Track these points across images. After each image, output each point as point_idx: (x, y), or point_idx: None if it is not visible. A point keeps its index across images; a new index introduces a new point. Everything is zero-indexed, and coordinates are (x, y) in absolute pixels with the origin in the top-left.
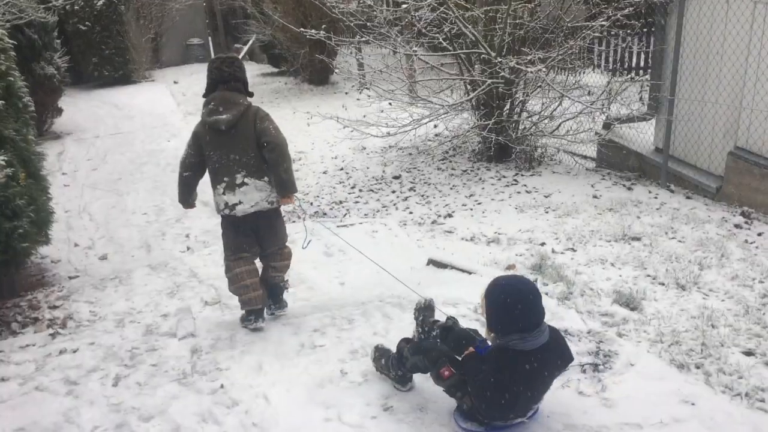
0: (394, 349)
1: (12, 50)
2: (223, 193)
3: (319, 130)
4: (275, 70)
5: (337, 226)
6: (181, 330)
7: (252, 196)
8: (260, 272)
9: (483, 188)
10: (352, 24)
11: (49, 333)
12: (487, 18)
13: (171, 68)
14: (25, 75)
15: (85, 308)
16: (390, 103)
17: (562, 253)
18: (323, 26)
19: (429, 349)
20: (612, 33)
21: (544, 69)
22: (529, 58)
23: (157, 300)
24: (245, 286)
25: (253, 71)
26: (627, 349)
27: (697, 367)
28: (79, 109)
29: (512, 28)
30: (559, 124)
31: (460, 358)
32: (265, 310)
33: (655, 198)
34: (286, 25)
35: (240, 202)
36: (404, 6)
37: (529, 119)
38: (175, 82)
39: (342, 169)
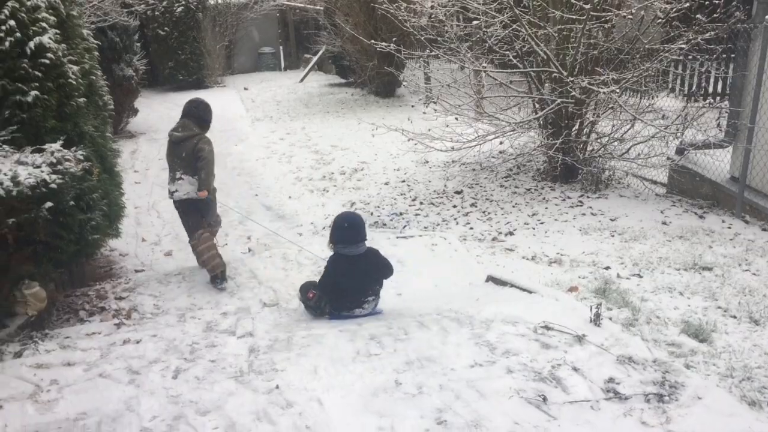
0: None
1: (96, 50)
2: (169, 183)
3: (383, 141)
4: (343, 81)
5: (397, 237)
6: (240, 329)
7: (184, 188)
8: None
9: (546, 208)
10: (422, 38)
11: (114, 323)
12: (560, 37)
13: (242, 75)
14: (105, 75)
15: (150, 301)
16: (456, 118)
17: (627, 278)
18: (393, 39)
19: (302, 287)
20: (690, 57)
21: (617, 90)
22: (602, 78)
23: (217, 298)
24: (212, 256)
25: (321, 81)
26: (695, 381)
27: None
28: (153, 110)
29: (586, 47)
30: (630, 147)
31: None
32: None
33: (729, 228)
34: (356, 37)
35: (176, 191)
36: (475, 22)
37: (599, 141)
38: (246, 89)
39: (404, 181)
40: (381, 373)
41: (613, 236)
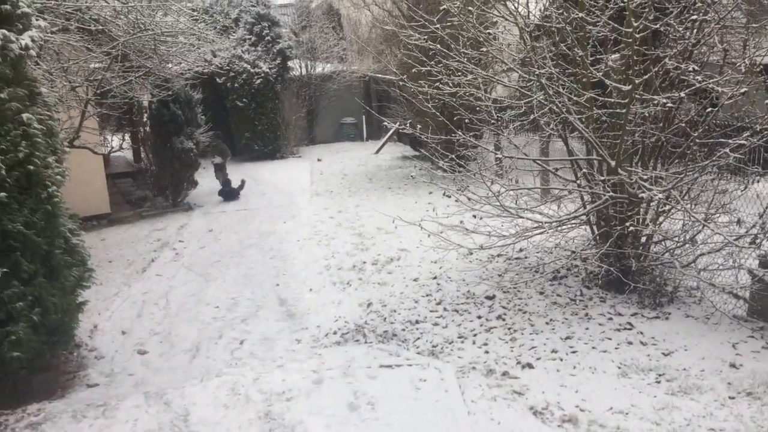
0: None
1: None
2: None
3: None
4: (416, 153)
5: (379, 366)
6: None
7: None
8: None
9: (586, 329)
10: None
11: None
12: (609, 122)
13: (322, 145)
14: (165, 148)
15: None
16: (474, 216)
17: None
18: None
19: None
20: None
21: (671, 190)
22: (648, 175)
23: None
24: None
25: (395, 153)
26: None
27: None
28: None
29: (635, 134)
30: (696, 258)
31: None
32: None
33: None
34: (422, 110)
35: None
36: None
37: (661, 242)
38: (319, 160)
39: (435, 277)
40: None
41: (658, 383)
